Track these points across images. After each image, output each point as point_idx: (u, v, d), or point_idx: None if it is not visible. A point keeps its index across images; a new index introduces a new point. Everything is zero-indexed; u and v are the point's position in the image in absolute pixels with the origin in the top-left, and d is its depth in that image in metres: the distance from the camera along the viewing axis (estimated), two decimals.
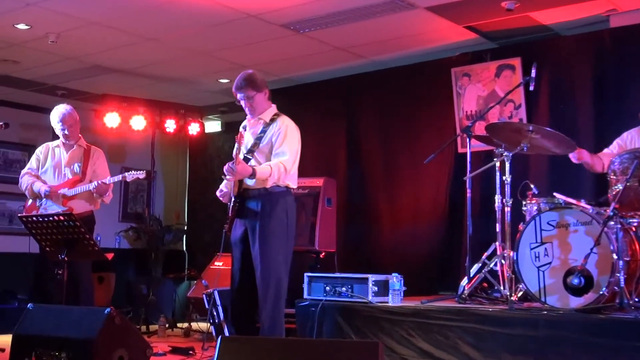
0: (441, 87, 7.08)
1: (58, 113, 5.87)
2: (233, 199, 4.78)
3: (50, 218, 4.74)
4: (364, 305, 5.17)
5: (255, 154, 4.80)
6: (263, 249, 4.67)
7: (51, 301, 5.32)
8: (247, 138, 4.88)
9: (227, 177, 4.67)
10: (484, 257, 5.33)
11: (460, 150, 6.85)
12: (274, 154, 4.75)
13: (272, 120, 4.85)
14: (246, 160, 4.76)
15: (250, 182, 4.74)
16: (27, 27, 6.46)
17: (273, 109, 4.94)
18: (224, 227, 4.79)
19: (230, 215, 4.78)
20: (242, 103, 4.85)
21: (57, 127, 5.90)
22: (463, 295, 5.18)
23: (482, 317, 4.63)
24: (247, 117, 4.95)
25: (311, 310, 5.29)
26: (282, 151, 4.73)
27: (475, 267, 5.33)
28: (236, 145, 4.77)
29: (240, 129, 4.85)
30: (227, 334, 5.62)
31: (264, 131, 4.82)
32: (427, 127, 7.24)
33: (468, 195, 5.54)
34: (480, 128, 6.44)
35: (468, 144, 5.58)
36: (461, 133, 6.27)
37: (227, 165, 4.57)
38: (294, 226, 4.83)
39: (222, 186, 4.94)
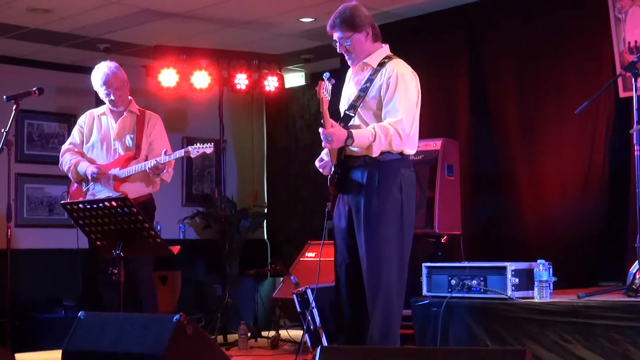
0: (594, 12, 6.94)
1: (100, 74, 6.01)
2: (333, 169, 4.76)
3: (101, 204, 4.89)
4: (501, 302, 5.16)
5: (359, 110, 4.71)
6: (369, 237, 4.63)
7: (105, 308, 5.54)
8: (350, 90, 4.83)
9: (324, 144, 4.61)
10: None
11: (622, 94, 6.71)
12: (383, 111, 4.65)
13: (381, 65, 4.73)
14: (347, 118, 4.71)
15: (353, 147, 4.66)
16: None
17: (384, 50, 4.83)
18: (327, 205, 4.79)
19: (331, 191, 4.77)
20: (337, 47, 4.81)
21: (100, 91, 6.06)
22: (634, 286, 5.10)
23: None
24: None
25: (432, 311, 5.32)
26: (392, 108, 4.62)
27: None
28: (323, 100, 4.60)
29: (324, 76, 4.59)
30: (325, 343, 5.70)
31: (370, 80, 4.71)
32: (577, 65, 7.11)
33: (636, 153, 5.42)
34: None
35: (634, 85, 5.45)
36: (623, 71, 6.11)
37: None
38: (413, 207, 4.77)
39: (323, 154, 4.90)
